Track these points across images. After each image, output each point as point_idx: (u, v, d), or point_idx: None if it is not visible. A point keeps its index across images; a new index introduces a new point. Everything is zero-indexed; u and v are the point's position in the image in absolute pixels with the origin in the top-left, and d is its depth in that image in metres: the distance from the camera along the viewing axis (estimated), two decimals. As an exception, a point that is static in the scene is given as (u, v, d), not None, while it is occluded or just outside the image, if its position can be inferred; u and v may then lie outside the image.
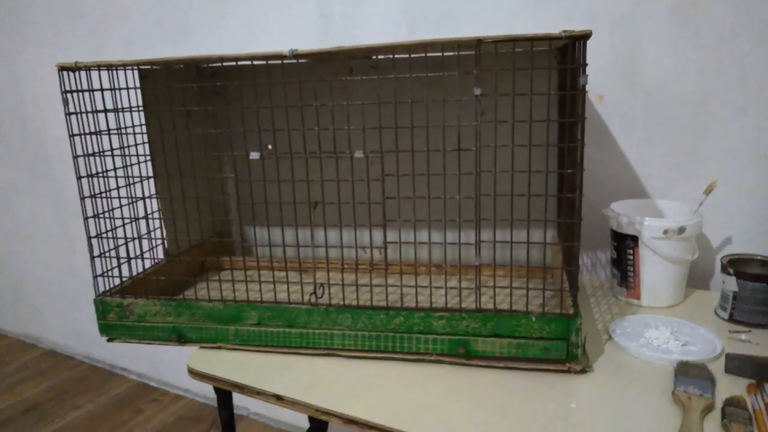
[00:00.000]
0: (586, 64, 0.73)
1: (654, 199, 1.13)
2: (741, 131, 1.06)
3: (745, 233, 1.08)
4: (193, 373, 0.90)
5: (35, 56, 2.04)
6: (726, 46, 1.04)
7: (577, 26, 1.13)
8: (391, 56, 1.00)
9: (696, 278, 1.12)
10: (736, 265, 0.97)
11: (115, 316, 0.98)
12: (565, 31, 0.71)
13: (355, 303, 0.89)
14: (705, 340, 0.88)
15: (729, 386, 0.76)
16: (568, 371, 0.81)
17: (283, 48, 1.52)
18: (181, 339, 0.96)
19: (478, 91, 0.77)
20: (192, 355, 0.94)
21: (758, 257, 0.99)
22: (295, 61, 0.84)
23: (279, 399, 0.82)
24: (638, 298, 1.03)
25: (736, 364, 0.79)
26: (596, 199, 1.17)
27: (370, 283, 0.91)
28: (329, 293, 0.96)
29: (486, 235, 0.93)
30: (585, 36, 0.72)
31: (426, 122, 0.82)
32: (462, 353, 0.84)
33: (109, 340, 1.00)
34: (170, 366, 2.14)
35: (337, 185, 0.90)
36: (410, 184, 0.88)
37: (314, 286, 0.96)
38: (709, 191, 1.01)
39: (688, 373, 0.77)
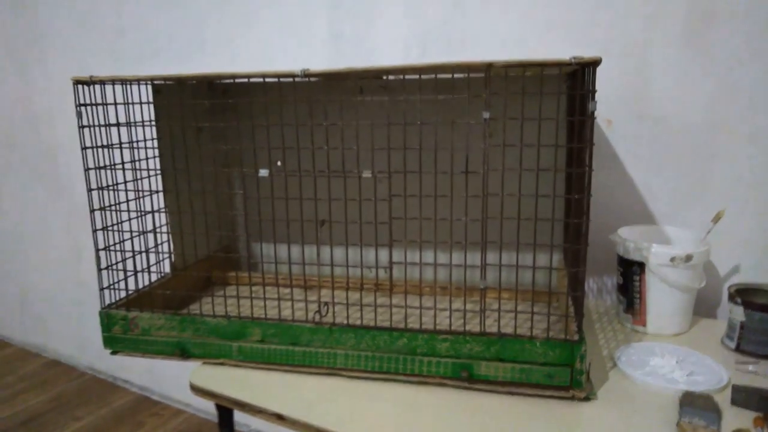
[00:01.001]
0: (596, 91, 0.74)
1: (661, 226, 1.12)
2: (749, 160, 1.05)
3: (752, 262, 1.08)
4: (195, 389, 0.90)
5: (50, 68, 2.08)
6: (735, 75, 1.04)
7: (587, 52, 1.14)
8: (401, 77, 1.01)
9: (703, 306, 1.12)
10: (744, 294, 0.96)
11: (120, 329, 0.98)
12: (575, 58, 0.72)
13: (359, 322, 0.89)
14: (711, 370, 0.87)
15: (735, 419, 0.75)
16: (572, 398, 0.81)
17: (295, 65, 1.54)
18: (185, 354, 0.96)
19: (486, 115, 0.77)
20: (194, 370, 0.93)
21: (766, 287, 0.98)
22: (306, 79, 0.85)
23: (280, 418, 0.81)
24: (644, 325, 1.02)
25: (742, 396, 0.78)
26: (603, 223, 1.17)
27: (374, 302, 0.91)
28: (333, 312, 0.96)
29: (492, 257, 0.93)
30: (595, 63, 0.72)
31: (434, 144, 0.82)
32: (465, 377, 0.84)
33: (113, 352, 1.00)
34: (172, 379, 2.13)
35: (345, 204, 0.90)
36: (417, 205, 0.88)
37: (319, 304, 0.96)
38: (716, 220, 1.01)
39: (694, 403, 0.76)
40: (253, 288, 1.14)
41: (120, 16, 1.82)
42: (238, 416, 1.21)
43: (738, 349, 0.94)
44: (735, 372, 0.87)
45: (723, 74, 1.05)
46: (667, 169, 1.13)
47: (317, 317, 0.92)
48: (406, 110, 0.85)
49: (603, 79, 1.12)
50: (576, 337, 0.80)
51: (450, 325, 0.88)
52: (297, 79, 0.85)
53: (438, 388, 0.85)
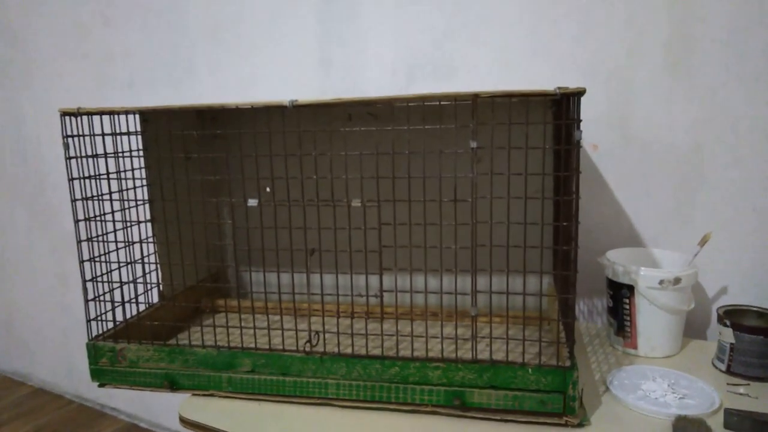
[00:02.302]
0: (581, 120, 0.75)
1: (649, 248, 1.13)
2: (734, 182, 1.07)
3: (740, 284, 1.09)
4: (185, 422, 0.88)
5: (38, 95, 2.07)
6: (718, 98, 1.06)
7: (572, 77, 1.16)
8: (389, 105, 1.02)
9: (693, 328, 1.12)
10: (732, 316, 0.97)
11: (107, 361, 0.97)
12: (559, 88, 0.73)
13: (350, 351, 0.89)
14: (703, 393, 0.87)
15: (728, 443, 0.76)
16: (566, 425, 0.80)
17: (285, 90, 1.54)
18: (174, 386, 0.94)
19: (474, 144, 0.78)
20: (184, 402, 0.92)
21: (754, 308, 0.99)
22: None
23: (271, 451, 0.80)
24: (635, 347, 1.02)
25: (735, 420, 0.78)
26: (591, 246, 1.17)
27: (365, 330, 0.90)
28: (324, 340, 0.95)
29: (482, 283, 0.93)
30: (579, 93, 0.73)
31: (423, 173, 0.83)
32: (458, 405, 0.83)
33: (101, 385, 0.99)
34: (162, 407, 2.10)
35: (335, 233, 0.90)
36: (407, 233, 0.89)
37: (309, 333, 0.95)
38: (703, 243, 1.02)
39: (687, 428, 0.76)
40: (243, 316, 1.13)
41: (109, 43, 1.82)
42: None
43: (728, 371, 0.94)
44: (726, 394, 0.88)
45: (706, 98, 1.07)
46: (654, 193, 1.14)
47: (308, 347, 0.91)
48: (394, 139, 0.86)
49: (588, 104, 1.13)
50: (568, 363, 0.80)
51: (442, 351, 0.88)
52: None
53: (431, 416, 0.85)
